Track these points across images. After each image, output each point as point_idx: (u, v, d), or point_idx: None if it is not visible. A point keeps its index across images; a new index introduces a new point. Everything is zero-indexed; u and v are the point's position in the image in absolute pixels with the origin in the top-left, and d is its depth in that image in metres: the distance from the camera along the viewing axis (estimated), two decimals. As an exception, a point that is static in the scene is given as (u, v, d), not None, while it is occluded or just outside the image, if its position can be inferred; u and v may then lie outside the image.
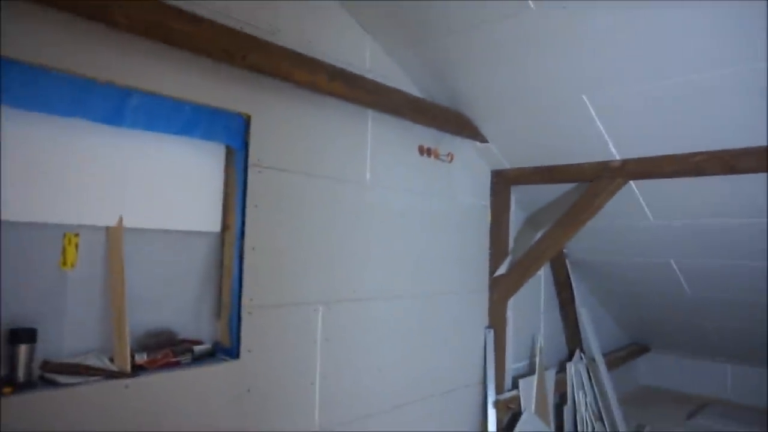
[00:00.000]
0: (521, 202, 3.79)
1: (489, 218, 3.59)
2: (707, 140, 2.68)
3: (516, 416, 3.55)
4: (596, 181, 3.14)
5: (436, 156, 3.19)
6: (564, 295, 4.29)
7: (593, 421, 4.03)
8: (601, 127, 2.86)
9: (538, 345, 3.96)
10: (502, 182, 3.59)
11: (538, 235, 3.79)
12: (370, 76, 2.72)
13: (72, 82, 1.75)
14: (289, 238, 2.43)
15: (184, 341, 2.13)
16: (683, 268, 3.76)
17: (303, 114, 2.49)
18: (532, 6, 2.33)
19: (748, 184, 2.79)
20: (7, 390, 1.59)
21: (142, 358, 1.92)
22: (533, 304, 4.04)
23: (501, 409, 3.46)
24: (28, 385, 1.68)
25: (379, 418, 2.79)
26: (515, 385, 3.65)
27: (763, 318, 3.88)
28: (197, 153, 2.21)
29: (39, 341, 1.73)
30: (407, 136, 3.02)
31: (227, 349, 2.27)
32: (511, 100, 2.96)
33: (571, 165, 3.21)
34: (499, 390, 3.49)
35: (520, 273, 3.54)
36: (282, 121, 2.41)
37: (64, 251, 1.78)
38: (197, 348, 2.17)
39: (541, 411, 3.74)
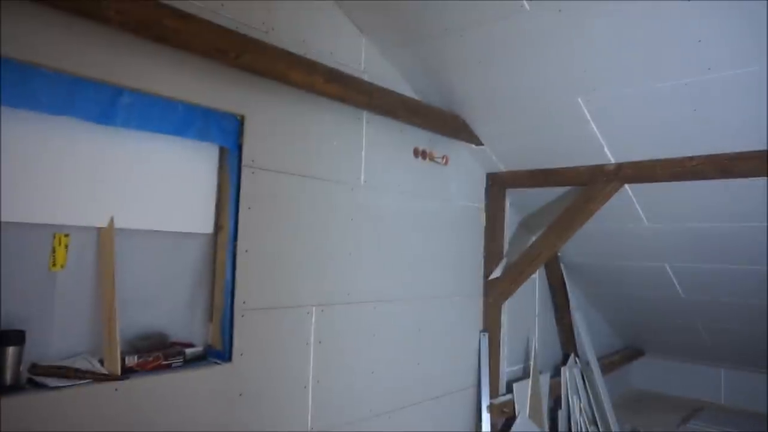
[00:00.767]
0: (516, 205, 3.78)
1: (484, 221, 3.58)
2: (703, 144, 2.68)
3: (510, 420, 3.53)
4: (591, 185, 3.13)
5: (431, 158, 3.18)
6: (559, 299, 4.28)
7: (587, 425, 4.01)
8: (596, 130, 2.85)
9: (533, 349, 3.95)
10: (497, 185, 3.58)
11: (533, 238, 3.77)
12: (365, 77, 2.70)
13: (62, 80, 1.72)
14: (282, 240, 2.40)
15: (175, 344, 2.10)
16: (678, 272, 3.76)
17: (297, 115, 2.47)
18: (527, 7, 2.32)
19: (745, 188, 2.79)
20: (-7, 393, 1.56)
21: (132, 361, 1.89)
22: (528, 307, 4.03)
23: (495, 414, 3.44)
24: (16, 388, 1.65)
25: (373, 421, 2.77)
26: (509, 389, 3.64)
27: (757, 321, 3.88)
28: (191, 153, 2.19)
29: (27, 343, 1.70)
30: (402, 138, 3.01)
31: (219, 353, 2.24)
32: (506, 102, 2.95)
33: (567, 168, 3.20)
34: (493, 394, 3.47)
35: (515, 276, 3.52)
36: (276, 122, 2.39)
37: (53, 252, 1.75)
38: (189, 351, 2.15)
39: (535, 415, 3.72)
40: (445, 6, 2.46)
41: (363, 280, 2.76)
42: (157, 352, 1.97)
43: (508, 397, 3.58)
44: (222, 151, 2.30)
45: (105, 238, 1.86)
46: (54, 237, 1.76)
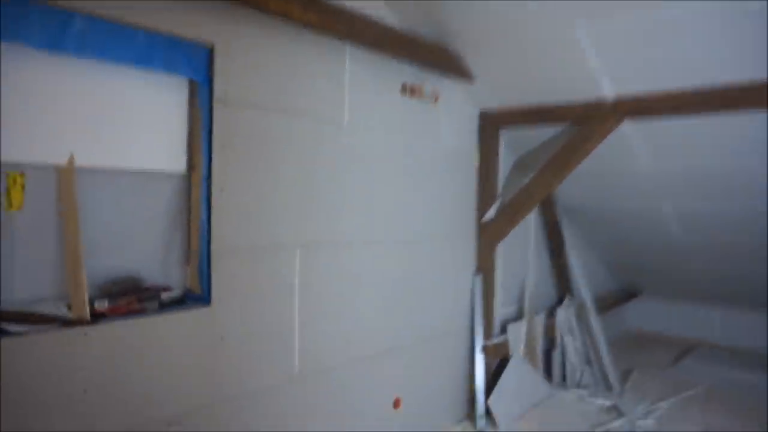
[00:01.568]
0: (510, 144, 3.65)
1: (476, 162, 3.45)
2: (708, 75, 2.53)
3: (504, 361, 3.51)
4: (588, 121, 2.99)
5: (420, 95, 3.02)
6: (554, 241, 4.20)
7: (582, 365, 4.01)
8: (595, 60, 2.69)
9: (527, 290, 3.89)
10: (490, 124, 3.44)
11: (528, 179, 3.65)
12: (347, 5, 2.52)
13: (5, 3, 1.56)
14: (262, 180, 2.29)
15: (150, 288, 2.02)
16: (676, 211, 3.67)
17: (274, 46, 2.31)
18: None
19: (750, 122, 2.65)
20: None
21: (103, 306, 1.81)
22: (522, 249, 3.96)
23: (489, 354, 3.41)
24: (-24, 334, 1.57)
25: (362, 363, 2.72)
26: (504, 331, 3.60)
27: (754, 262, 3.82)
28: (158, 87, 2.04)
29: (-13, 289, 1.61)
30: (388, 73, 2.84)
31: (198, 296, 2.16)
32: (499, 31, 2.77)
33: (563, 105, 3.05)
34: (487, 335, 3.44)
35: (509, 218, 3.42)
36: (250, 54, 2.23)
37: (8, 192, 1.64)
38: (165, 295, 2.06)
39: (529, 356, 3.70)
40: None
41: (350, 222, 2.66)
42: (130, 296, 1.88)
43: (503, 338, 3.55)
44: (192, 85, 2.15)
45: (65, 177, 1.74)
46: (8, 176, 1.64)
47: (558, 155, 3.15)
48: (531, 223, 4.02)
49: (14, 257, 1.69)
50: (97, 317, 1.78)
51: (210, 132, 2.13)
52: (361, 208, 2.72)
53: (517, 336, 3.63)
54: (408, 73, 2.94)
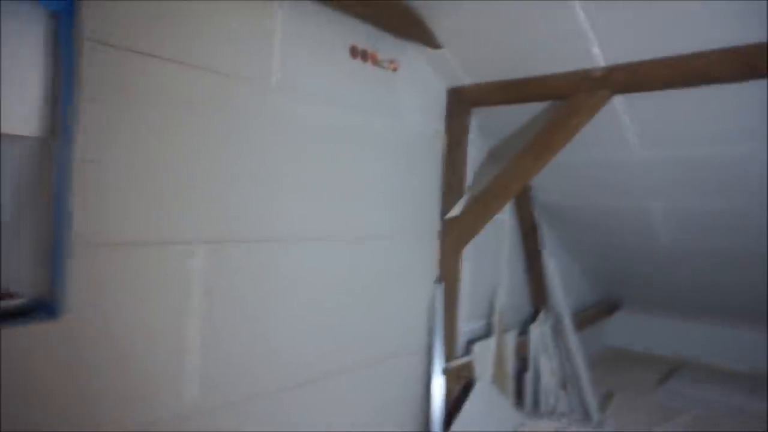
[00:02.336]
0: (483, 129, 3.12)
1: (442, 147, 2.91)
2: (717, 35, 2.04)
3: (468, 386, 2.96)
4: (574, 96, 2.47)
5: (375, 61, 2.47)
6: (529, 245, 3.69)
7: (557, 389, 3.49)
8: (584, 21, 2.18)
9: (498, 303, 3.37)
10: (461, 103, 2.90)
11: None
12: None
13: None
14: (152, 151, 1.71)
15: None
16: (668, 213, 3.19)
17: (171, -27, 1.73)
18: None
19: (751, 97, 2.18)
20: None
21: None
22: (494, 254, 3.43)
23: (451, 378, 2.86)
24: None
25: (290, 394, 2.15)
26: (469, 350, 3.06)
27: (750, 272, 3.37)
28: (4, 21, 1.46)
29: None
30: (335, 31, 2.29)
31: (50, 305, 1.57)
32: (471, -17, 2.25)
33: (546, 77, 2.53)
34: (449, 356, 2.89)
35: (478, 215, 2.89)
36: (135, -21, 1.65)
37: None
38: (3, 303, 1.48)
39: (498, 379, 3.17)
40: None
41: (278, 212, 2.09)
42: None
43: (467, 359, 3.01)
44: (53, 19, 1.57)
45: None
46: None
47: (539, 135, 2.62)
48: (505, 224, 3.50)
49: None
50: None
51: (73, 79, 1.54)
52: (295, 195, 2.15)
53: (484, 356, 3.09)
54: (361, 33, 2.39)
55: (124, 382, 1.67)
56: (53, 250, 1.56)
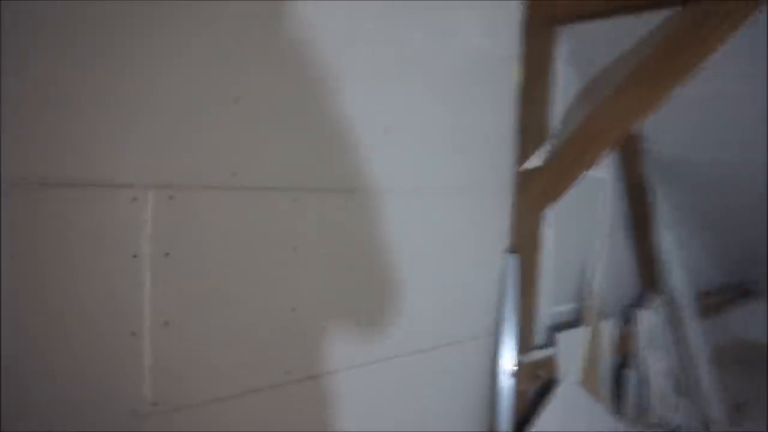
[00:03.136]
0: (576, 53, 2.37)
1: (518, 79, 2.22)
2: None
3: (548, 387, 2.31)
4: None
5: (421, -44, 1.84)
6: (637, 211, 2.92)
7: (672, 395, 2.73)
8: None
9: (593, 282, 2.65)
10: (543, 17, 2.19)
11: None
12: None
13: None
14: (80, 51, 1.21)
15: None
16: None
17: None
18: None
19: None
20: None
21: None
22: (588, 221, 2.70)
23: (525, 377, 2.22)
24: None
25: (283, 391, 1.63)
26: (551, 341, 2.40)
27: None
28: None
29: None
30: None
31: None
32: None
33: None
34: (524, 348, 2.24)
35: (566, 168, 2.19)
36: None
37: None
38: None
39: (589, 379, 2.48)
40: None
41: (272, 146, 1.55)
42: None
43: (548, 351, 2.35)
44: None
45: None
46: None
47: (654, 57, 1.88)
48: (605, 183, 2.76)
49: None
50: None
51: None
52: (299, 124, 1.59)
53: (571, 349, 2.41)
54: None
55: (55, 369, 1.22)
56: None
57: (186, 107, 1.36)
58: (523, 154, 2.23)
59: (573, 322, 2.55)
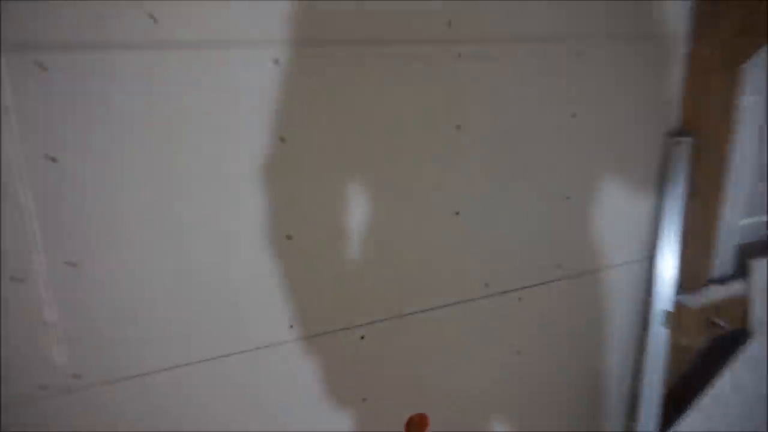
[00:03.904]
0: None
1: None
2: None
3: (726, 340, 1.53)
4: None
5: None
6: None
7: None
8: None
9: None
10: None
11: None
12: None
13: None
14: None
15: None
16: None
17: None
18: None
19: None
20: None
21: None
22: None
23: (691, 328, 1.47)
24: None
25: (282, 350, 1.08)
26: (742, 271, 1.58)
27: None
28: None
29: None
30: None
31: None
32: None
33: None
34: (693, 281, 1.46)
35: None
36: None
37: None
38: None
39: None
40: None
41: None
42: None
43: (733, 289, 1.55)
44: None
45: None
46: None
47: None
48: None
49: None
50: None
51: None
52: None
53: (772, 285, 1.58)
54: None
55: None
56: None
57: None
58: None
59: (777, 244, 1.68)
